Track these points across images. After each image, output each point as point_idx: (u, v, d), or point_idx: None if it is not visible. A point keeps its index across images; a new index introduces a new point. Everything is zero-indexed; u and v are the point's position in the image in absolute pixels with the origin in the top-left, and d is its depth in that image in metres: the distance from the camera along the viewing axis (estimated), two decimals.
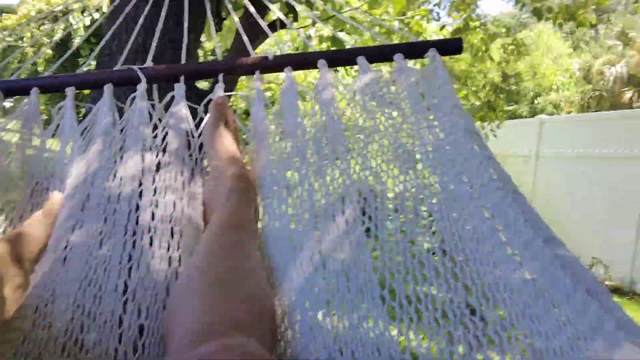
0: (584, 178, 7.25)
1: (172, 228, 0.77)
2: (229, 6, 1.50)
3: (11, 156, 0.91)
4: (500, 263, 0.58)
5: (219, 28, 2.46)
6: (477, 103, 4.90)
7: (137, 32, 1.34)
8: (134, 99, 0.90)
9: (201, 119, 0.92)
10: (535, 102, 16.57)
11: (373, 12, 2.56)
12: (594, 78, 15.40)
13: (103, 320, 0.69)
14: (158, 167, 0.83)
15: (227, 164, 0.79)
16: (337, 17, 2.94)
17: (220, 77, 0.92)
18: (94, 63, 2.11)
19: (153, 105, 0.91)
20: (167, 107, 0.92)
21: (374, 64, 0.90)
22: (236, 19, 1.45)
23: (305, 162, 0.77)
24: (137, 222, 0.76)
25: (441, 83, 0.82)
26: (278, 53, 0.94)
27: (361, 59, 0.89)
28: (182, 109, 0.89)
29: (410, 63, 0.89)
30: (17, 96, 0.98)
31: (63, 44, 8.18)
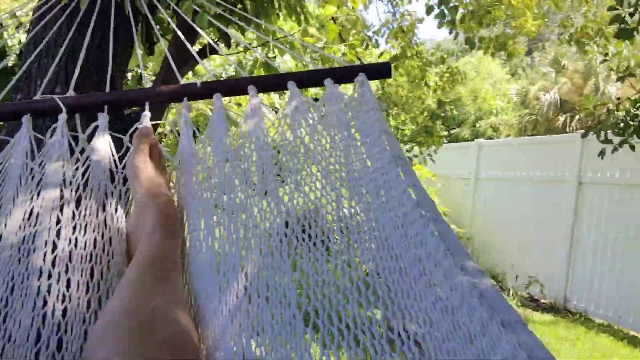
0: (520, 200, 7.52)
1: (92, 267, 0.74)
2: (156, 32, 1.48)
3: None
4: (422, 296, 0.59)
5: (150, 52, 2.42)
6: (416, 128, 5.04)
7: (59, 56, 1.30)
8: (54, 130, 0.86)
9: (127, 149, 0.90)
10: (477, 125, 17.14)
11: (306, 40, 2.61)
12: (530, 103, 16.11)
13: None
14: (78, 202, 0.80)
15: (151, 197, 0.77)
16: (282, 43, 2.96)
17: (147, 105, 0.90)
18: None
19: (75, 137, 0.88)
20: (90, 138, 0.88)
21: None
22: (163, 45, 1.44)
23: (234, 192, 0.76)
24: (53, 264, 0.72)
25: (369, 108, 0.83)
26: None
27: (291, 84, 0.88)
28: (105, 140, 0.86)
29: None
30: None
31: None
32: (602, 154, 2.91)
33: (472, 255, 8.12)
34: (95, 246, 0.76)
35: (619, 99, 2.82)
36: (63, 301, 0.69)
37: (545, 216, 7.00)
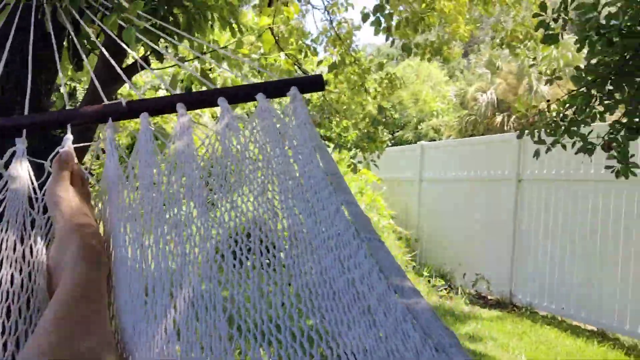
0: (464, 199, 7.72)
1: (8, 307, 0.68)
2: (80, 48, 1.41)
3: None
4: (355, 322, 0.57)
5: (77, 68, 2.32)
6: (359, 134, 5.09)
7: None
8: None
9: (49, 175, 0.84)
10: (419, 127, 17.53)
11: (242, 51, 2.57)
12: (468, 104, 16.62)
13: None
14: None
15: (73, 227, 0.73)
16: (218, 54, 2.91)
17: (69, 128, 0.85)
18: None
19: None
20: (8, 164, 0.83)
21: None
22: (87, 63, 1.37)
23: (162, 218, 0.72)
24: None
25: (301, 122, 0.81)
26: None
27: (222, 100, 0.85)
28: (24, 166, 0.81)
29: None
30: None
31: None
32: (536, 154, 3.01)
33: (421, 255, 8.28)
34: (12, 283, 0.70)
35: (548, 100, 2.93)
36: None
37: (488, 214, 7.21)
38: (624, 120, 2.73)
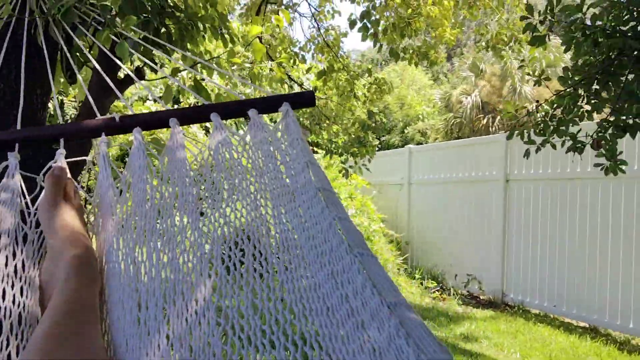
0: (453, 200, 7.78)
1: (0, 322, 0.69)
2: (72, 62, 1.42)
3: None
4: (349, 337, 0.58)
5: (71, 81, 2.32)
6: (348, 139, 5.13)
7: None
8: None
9: (42, 190, 0.85)
10: (405, 131, 17.62)
11: (234, 61, 2.59)
12: (454, 107, 16.75)
13: None
14: None
15: (65, 242, 0.73)
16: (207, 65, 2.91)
17: (61, 142, 0.86)
18: None
19: None
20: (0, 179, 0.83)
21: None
22: (80, 79, 1.38)
23: (155, 234, 0.72)
24: None
25: (293, 138, 0.82)
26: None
27: (214, 116, 0.86)
28: (15, 181, 0.81)
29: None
30: None
31: None
32: (527, 154, 3.06)
33: (412, 258, 8.32)
34: (3, 298, 0.70)
35: (537, 101, 2.98)
36: None
37: (477, 215, 7.27)
38: (612, 118, 2.79)
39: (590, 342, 5.09)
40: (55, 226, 0.75)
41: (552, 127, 2.98)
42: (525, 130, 3.08)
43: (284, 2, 4.35)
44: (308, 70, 4.63)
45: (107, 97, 2.40)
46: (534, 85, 2.84)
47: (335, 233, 0.67)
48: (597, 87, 2.76)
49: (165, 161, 0.82)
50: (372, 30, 4.24)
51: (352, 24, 4.25)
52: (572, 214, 5.88)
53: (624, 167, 2.84)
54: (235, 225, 0.73)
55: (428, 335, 0.56)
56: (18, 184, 0.81)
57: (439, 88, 20.40)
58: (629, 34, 2.51)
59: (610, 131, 2.83)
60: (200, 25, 2.57)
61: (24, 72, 1.45)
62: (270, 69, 3.09)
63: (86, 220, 0.86)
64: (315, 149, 11.59)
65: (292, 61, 4.51)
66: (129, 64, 2.30)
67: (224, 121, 0.88)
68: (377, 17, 4.17)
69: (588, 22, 2.55)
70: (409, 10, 4.15)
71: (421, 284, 7.62)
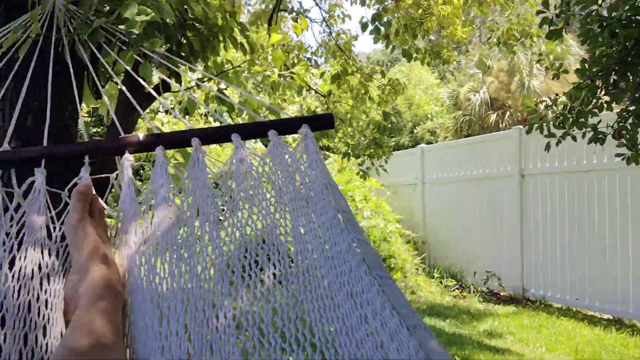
0: (468, 198, 7.77)
1: (25, 334, 0.70)
2: (97, 80, 1.46)
3: None
4: (368, 358, 0.58)
5: (97, 96, 2.37)
6: (364, 141, 5.16)
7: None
8: None
9: (66, 205, 0.86)
10: (415, 131, 17.61)
11: (255, 69, 2.62)
12: (462, 104, 16.72)
13: None
14: (12, 263, 0.75)
15: (90, 257, 0.74)
16: (227, 75, 2.96)
17: (86, 159, 0.87)
18: None
19: (10, 193, 0.84)
20: (26, 194, 0.85)
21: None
22: (106, 98, 1.42)
23: (176, 251, 0.73)
24: None
25: (312, 160, 0.83)
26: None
27: (235, 137, 0.87)
28: (41, 196, 0.83)
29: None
30: None
31: None
32: (547, 147, 3.07)
33: (430, 257, 8.31)
34: (29, 310, 0.72)
35: (557, 94, 3.00)
36: None
37: (493, 211, 7.26)
38: (632, 108, 2.80)
39: (615, 334, 5.07)
40: (80, 241, 0.76)
41: (571, 120, 3.00)
42: (544, 124, 3.10)
43: (295, 8, 4.40)
44: (321, 76, 4.67)
45: (134, 112, 2.45)
46: (552, 78, 2.86)
47: (355, 254, 0.68)
48: (615, 77, 2.77)
49: (186, 179, 0.83)
50: (384, 32, 4.27)
51: (363, 26, 4.29)
52: (590, 206, 5.86)
53: None
54: (255, 244, 0.74)
55: (447, 357, 0.57)
56: (44, 199, 0.83)
57: (446, 86, 20.39)
58: None
59: (630, 121, 2.84)
60: (221, 36, 2.62)
61: (53, 89, 1.49)
62: (290, 76, 3.13)
63: (109, 235, 0.87)
64: (327, 152, 11.61)
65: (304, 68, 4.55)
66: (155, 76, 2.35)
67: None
68: (389, 18, 4.20)
69: (604, 14, 2.57)
70: (420, 11, 4.18)
71: (440, 282, 7.61)
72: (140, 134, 0.90)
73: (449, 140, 14.87)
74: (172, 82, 2.67)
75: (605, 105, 2.92)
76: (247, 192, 0.80)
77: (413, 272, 7.55)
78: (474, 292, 7.10)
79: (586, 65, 2.86)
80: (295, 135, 0.91)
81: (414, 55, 4.34)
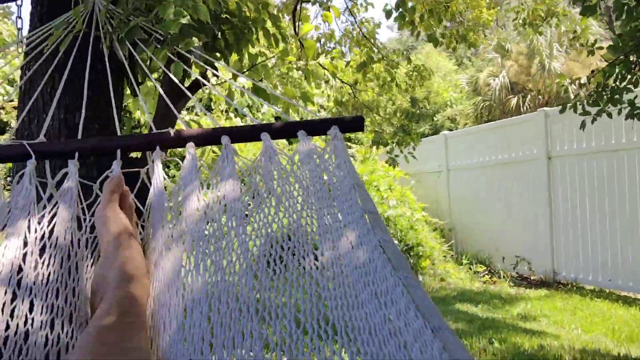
0: (493, 183, 7.73)
1: (52, 320, 0.71)
2: (131, 77, 1.50)
3: None
4: (391, 358, 0.59)
5: (134, 93, 2.42)
6: (392, 129, 5.16)
7: (52, 111, 1.31)
8: (22, 176, 0.84)
9: (97, 197, 0.89)
10: (435, 119, 17.49)
11: (289, 59, 2.65)
12: (482, 90, 16.55)
13: None
14: (42, 251, 0.77)
15: (118, 249, 0.76)
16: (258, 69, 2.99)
17: (118, 153, 0.89)
18: None
19: (44, 183, 0.86)
20: (59, 185, 0.87)
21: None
22: (140, 96, 1.45)
23: (203, 245, 0.74)
24: (10, 316, 0.68)
25: (341, 161, 0.84)
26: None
27: (264, 136, 0.89)
28: (73, 187, 0.84)
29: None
30: None
31: None
32: (583, 125, 3.05)
33: (457, 244, 8.29)
34: (57, 297, 0.73)
35: (593, 71, 2.98)
36: (19, 355, 0.67)
37: (520, 195, 7.21)
38: None
39: None
40: (110, 231, 0.78)
41: (605, 97, 2.97)
42: (577, 102, 3.08)
43: (317, 0, 4.41)
44: (347, 64, 4.69)
45: (177, 104, 2.50)
46: (587, 55, 2.84)
47: (381, 255, 0.69)
48: None
49: (215, 175, 0.84)
50: (408, 18, 4.26)
51: (387, 14, 4.28)
52: (620, 186, 5.79)
53: None
54: (281, 241, 0.75)
55: (468, 358, 0.57)
56: (76, 190, 0.85)
57: (464, 72, 20.19)
58: None
59: None
60: (253, 28, 2.65)
61: (91, 85, 1.53)
62: (321, 65, 3.15)
63: (138, 229, 0.89)
64: (349, 143, 11.61)
65: (329, 58, 4.56)
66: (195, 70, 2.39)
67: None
68: (413, 3, 4.19)
69: None
70: None
71: (469, 269, 7.59)
72: (172, 130, 0.92)
73: (469, 126, 14.76)
74: (209, 76, 2.71)
75: None
76: (274, 189, 0.81)
77: (441, 260, 7.54)
78: (503, 277, 7.07)
79: (619, 41, 2.83)
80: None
81: (440, 40, 4.33)
